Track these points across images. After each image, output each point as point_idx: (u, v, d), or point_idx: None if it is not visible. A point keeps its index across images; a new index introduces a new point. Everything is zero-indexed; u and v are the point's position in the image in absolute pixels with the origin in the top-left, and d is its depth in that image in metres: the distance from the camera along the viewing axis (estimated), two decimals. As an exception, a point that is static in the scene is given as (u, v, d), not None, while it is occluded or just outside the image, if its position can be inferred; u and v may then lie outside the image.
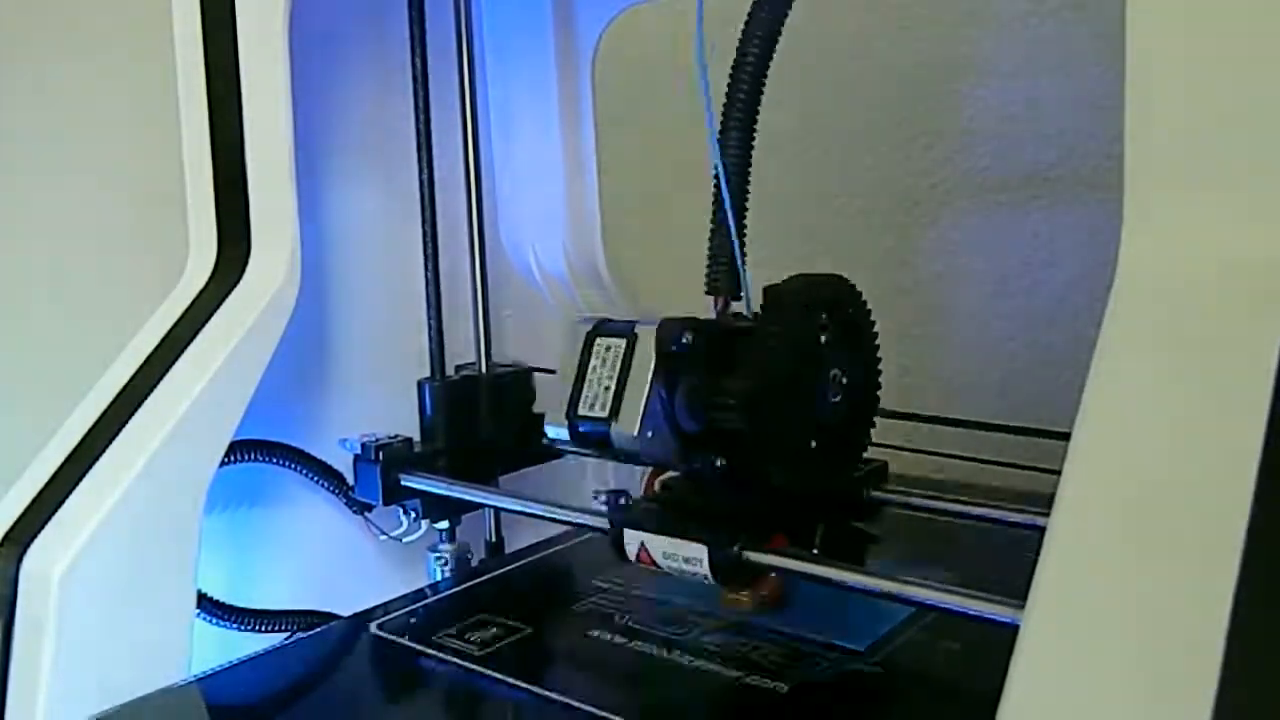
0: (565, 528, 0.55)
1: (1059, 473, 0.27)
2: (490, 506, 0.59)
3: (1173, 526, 0.25)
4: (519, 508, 0.50)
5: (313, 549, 0.57)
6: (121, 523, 0.43)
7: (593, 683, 0.40)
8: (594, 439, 0.41)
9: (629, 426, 0.39)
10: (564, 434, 0.42)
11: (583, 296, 0.68)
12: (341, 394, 0.57)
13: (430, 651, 0.42)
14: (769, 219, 0.88)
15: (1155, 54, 0.29)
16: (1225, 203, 0.29)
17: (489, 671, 0.40)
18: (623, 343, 0.40)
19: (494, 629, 0.44)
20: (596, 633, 0.43)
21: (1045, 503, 0.43)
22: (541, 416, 0.59)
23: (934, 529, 0.52)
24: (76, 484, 0.45)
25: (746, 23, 0.42)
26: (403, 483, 0.53)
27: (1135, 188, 0.29)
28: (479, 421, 0.58)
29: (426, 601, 0.48)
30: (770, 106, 0.82)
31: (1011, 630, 0.26)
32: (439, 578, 0.56)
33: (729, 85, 0.42)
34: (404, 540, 0.57)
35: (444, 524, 0.56)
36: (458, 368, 0.60)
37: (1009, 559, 0.49)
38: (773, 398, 0.39)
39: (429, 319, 0.57)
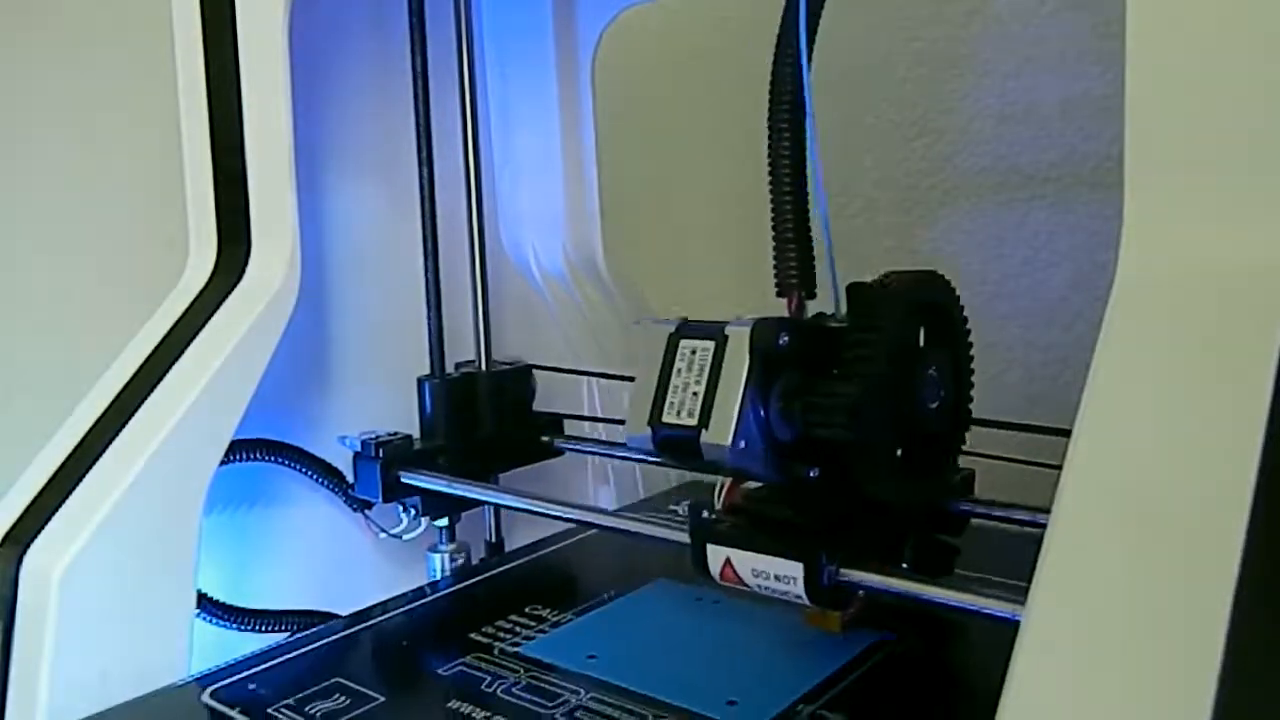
0: (565, 525, 0.55)
1: (1059, 467, 0.27)
2: (490, 503, 0.59)
3: (1173, 526, 0.25)
4: (519, 505, 0.50)
5: (313, 548, 0.57)
6: (121, 523, 0.43)
7: None
8: (681, 448, 0.38)
9: (721, 436, 0.36)
10: (646, 443, 0.39)
11: (583, 296, 0.68)
12: (341, 392, 0.57)
13: None
14: (769, 219, 0.88)
15: (1155, 54, 0.29)
16: (1226, 203, 0.29)
17: None
18: (711, 345, 0.37)
19: (341, 697, 0.39)
20: (456, 705, 0.38)
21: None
22: (540, 414, 0.60)
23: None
24: (76, 484, 0.45)
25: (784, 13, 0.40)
26: (403, 480, 0.53)
27: (1135, 188, 0.29)
28: (479, 419, 0.58)
29: (288, 656, 0.44)
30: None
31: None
32: (439, 576, 0.56)
33: (772, 81, 0.40)
34: (404, 538, 0.57)
35: (444, 521, 0.56)
36: (457, 365, 0.60)
37: None
38: (878, 403, 0.36)
39: (429, 317, 0.57)
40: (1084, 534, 0.26)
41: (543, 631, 0.45)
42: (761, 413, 0.37)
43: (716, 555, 0.39)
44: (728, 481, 0.40)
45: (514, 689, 0.40)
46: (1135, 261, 0.29)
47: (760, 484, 0.40)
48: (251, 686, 0.41)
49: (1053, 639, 0.26)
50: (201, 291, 0.50)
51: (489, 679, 0.40)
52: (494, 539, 0.62)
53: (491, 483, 0.57)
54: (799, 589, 0.36)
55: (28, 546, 0.43)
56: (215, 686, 0.41)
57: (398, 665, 0.44)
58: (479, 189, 0.60)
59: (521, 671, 0.41)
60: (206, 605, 0.51)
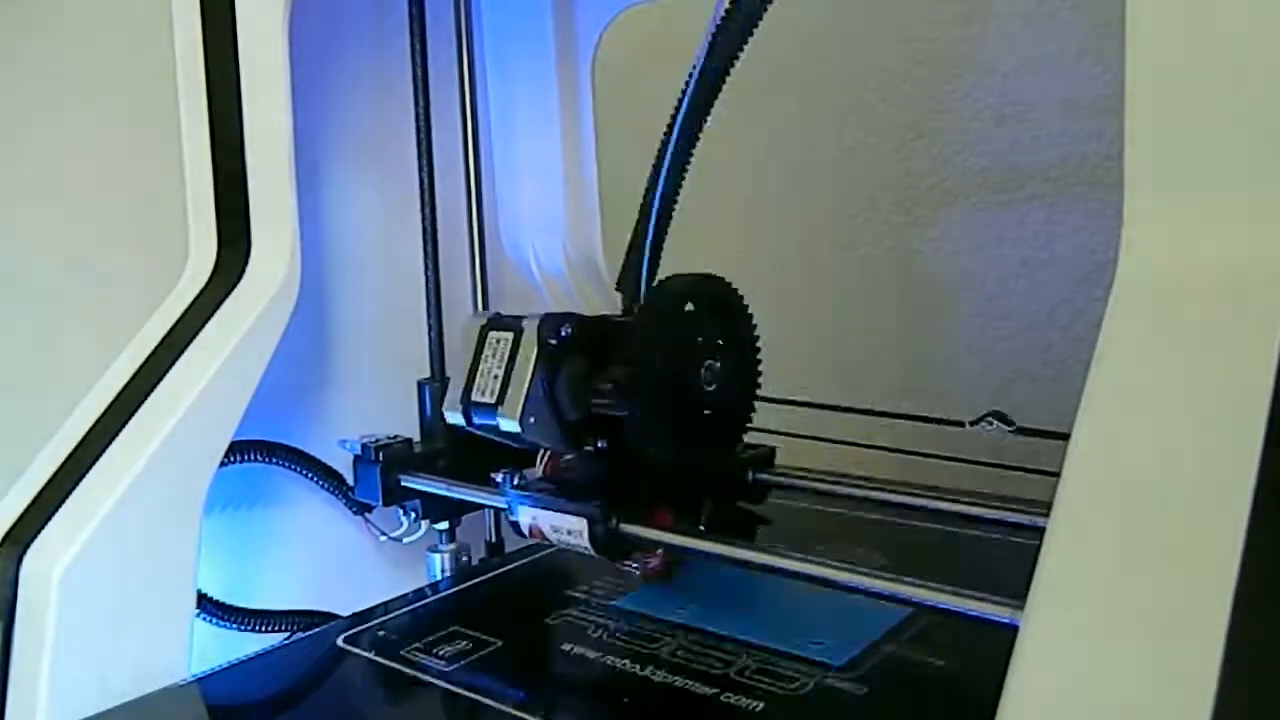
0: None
1: (1058, 474, 0.27)
2: (490, 506, 0.59)
3: (1173, 526, 0.25)
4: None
5: (313, 549, 0.57)
6: (121, 523, 0.43)
7: (561, 699, 0.39)
8: (484, 424, 0.44)
9: (512, 412, 0.43)
10: (460, 419, 0.45)
11: (583, 296, 0.68)
12: (341, 394, 0.57)
13: (396, 667, 0.41)
14: (770, 219, 0.89)
15: (1155, 54, 0.29)
16: (1225, 203, 0.29)
17: (455, 688, 0.39)
18: (510, 335, 0.44)
19: (463, 642, 0.43)
20: (568, 646, 0.42)
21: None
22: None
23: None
24: (76, 484, 0.45)
25: (711, 35, 0.44)
26: (403, 483, 0.53)
27: (1135, 188, 0.29)
28: (479, 421, 0.58)
29: (400, 612, 0.47)
30: (771, 107, 0.82)
31: (1007, 637, 0.26)
32: (439, 577, 0.56)
33: (681, 93, 0.45)
34: (404, 541, 0.57)
35: (444, 524, 0.56)
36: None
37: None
38: (647, 383, 0.42)
39: (429, 319, 0.57)
40: (1084, 534, 0.26)
41: (632, 589, 0.48)
42: (550, 393, 0.43)
43: (525, 515, 0.45)
44: (548, 454, 0.47)
45: (618, 634, 0.43)
46: (1135, 261, 0.29)
47: (571, 455, 0.46)
48: (381, 633, 0.45)
49: (1052, 639, 0.26)
50: (201, 291, 0.50)
51: (593, 626, 0.44)
52: (494, 540, 0.62)
53: (491, 485, 0.57)
54: (585, 541, 0.43)
55: (28, 546, 0.43)
56: (348, 633, 0.45)
57: (506, 616, 0.47)
58: (479, 189, 0.60)
59: (622, 620, 0.45)
60: (206, 605, 0.51)
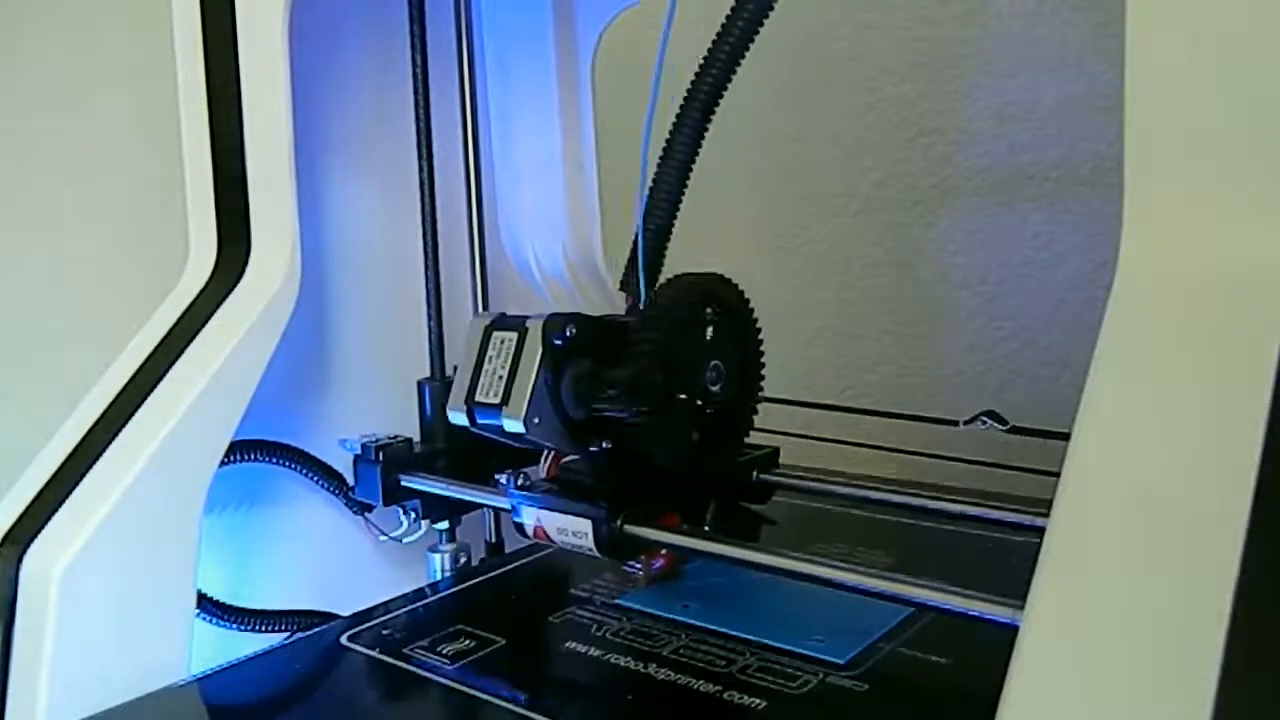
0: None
1: (1058, 474, 0.27)
2: (490, 506, 0.59)
3: (1173, 527, 0.25)
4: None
5: (313, 549, 0.57)
6: (121, 523, 0.43)
7: (564, 698, 0.40)
8: (488, 425, 0.44)
9: (517, 412, 0.42)
10: (463, 419, 0.45)
11: (583, 296, 0.68)
12: (341, 394, 0.57)
13: (399, 665, 0.42)
14: (770, 219, 0.89)
15: (1155, 54, 0.29)
16: (1225, 203, 0.29)
17: (459, 685, 0.39)
18: (514, 335, 0.44)
19: (467, 640, 0.43)
20: (571, 644, 0.43)
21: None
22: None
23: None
24: (76, 484, 0.45)
25: (719, 31, 0.44)
26: (403, 483, 0.53)
27: (1135, 188, 0.29)
28: (479, 421, 0.58)
29: (402, 611, 0.48)
30: (771, 107, 0.82)
31: (1008, 636, 0.26)
32: (439, 577, 0.56)
33: (686, 93, 0.45)
34: (404, 540, 0.57)
35: (444, 524, 0.56)
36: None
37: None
38: (652, 384, 0.42)
39: (429, 319, 0.57)
40: (1084, 534, 0.26)
41: (634, 586, 0.48)
42: (555, 393, 0.43)
43: (530, 516, 0.45)
44: (551, 455, 0.47)
45: (620, 633, 0.43)
46: (1135, 261, 0.29)
47: (574, 456, 0.46)
48: (384, 632, 0.45)
49: (1053, 639, 0.26)
50: (201, 291, 0.50)
51: (596, 624, 0.44)
52: (494, 539, 0.62)
53: (491, 485, 0.57)
54: (590, 543, 0.43)
55: (28, 546, 0.43)
56: (352, 631, 0.45)
57: (511, 614, 0.47)
58: (479, 189, 0.60)
59: (624, 619, 0.45)
60: (206, 605, 0.51)
